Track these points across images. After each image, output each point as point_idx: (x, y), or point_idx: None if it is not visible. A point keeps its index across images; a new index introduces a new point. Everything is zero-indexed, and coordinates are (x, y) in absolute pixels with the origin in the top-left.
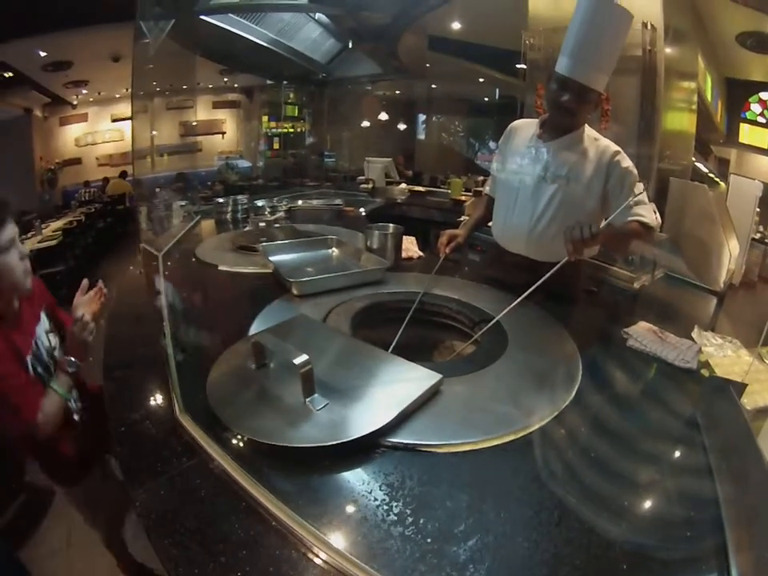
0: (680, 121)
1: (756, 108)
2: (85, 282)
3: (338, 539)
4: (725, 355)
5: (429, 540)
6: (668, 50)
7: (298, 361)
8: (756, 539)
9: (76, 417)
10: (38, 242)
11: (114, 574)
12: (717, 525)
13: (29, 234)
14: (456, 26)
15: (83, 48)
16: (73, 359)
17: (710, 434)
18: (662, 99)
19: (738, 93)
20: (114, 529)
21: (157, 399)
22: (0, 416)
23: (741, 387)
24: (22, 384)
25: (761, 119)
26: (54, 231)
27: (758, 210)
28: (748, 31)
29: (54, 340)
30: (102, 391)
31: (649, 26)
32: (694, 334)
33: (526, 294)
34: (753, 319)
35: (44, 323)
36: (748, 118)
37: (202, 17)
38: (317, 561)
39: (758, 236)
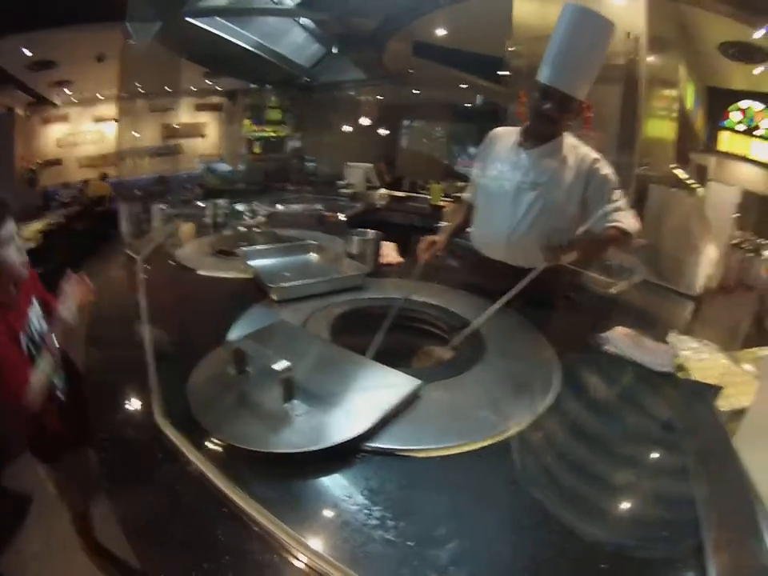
0: (661, 128)
1: (736, 116)
2: (69, 272)
3: (321, 543)
4: (701, 359)
5: (410, 543)
6: (650, 59)
7: (278, 367)
8: (732, 539)
9: (60, 395)
10: None
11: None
12: (694, 525)
13: None
14: (441, 32)
15: (68, 48)
16: (57, 344)
17: (687, 436)
18: (644, 107)
19: (718, 101)
20: (85, 509)
21: (137, 404)
22: None
23: (717, 390)
24: (14, 360)
25: (740, 127)
26: (33, 233)
27: (737, 215)
28: (730, 41)
29: (44, 324)
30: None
31: (632, 36)
32: (671, 338)
33: (502, 300)
34: (729, 323)
35: (36, 308)
36: (727, 126)
37: (188, 19)
38: (300, 565)
39: (735, 241)
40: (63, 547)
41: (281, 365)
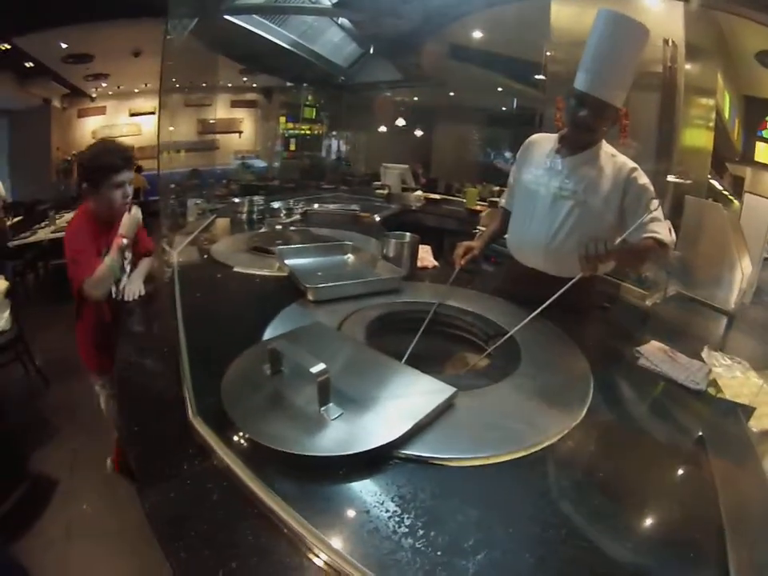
0: (698, 137)
1: None
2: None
3: (349, 548)
4: (733, 376)
5: (439, 553)
6: (688, 67)
7: (315, 370)
8: (758, 562)
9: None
10: (51, 233)
11: (111, 564)
12: (720, 547)
13: (42, 224)
14: (478, 35)
15: (104, 42)
16: (125, 240)
17: (717, 456)
18: (681, 115)
19: (755, 111)
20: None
21: (170, 400)
22: (70, 272)
23: (749, 410)
24: (88, 256)
25: None
26: (67, 222)
27: None
28: (767, 50)
29: (129, 254)
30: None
31: (670, 43)
32: (704, 354)
33: (539, 309)
34: (763, 340)
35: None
36: (764, 136)
37: (226, 16)
38: (328, 570)
39: None
40: (85, 533)
41: (317, 368)
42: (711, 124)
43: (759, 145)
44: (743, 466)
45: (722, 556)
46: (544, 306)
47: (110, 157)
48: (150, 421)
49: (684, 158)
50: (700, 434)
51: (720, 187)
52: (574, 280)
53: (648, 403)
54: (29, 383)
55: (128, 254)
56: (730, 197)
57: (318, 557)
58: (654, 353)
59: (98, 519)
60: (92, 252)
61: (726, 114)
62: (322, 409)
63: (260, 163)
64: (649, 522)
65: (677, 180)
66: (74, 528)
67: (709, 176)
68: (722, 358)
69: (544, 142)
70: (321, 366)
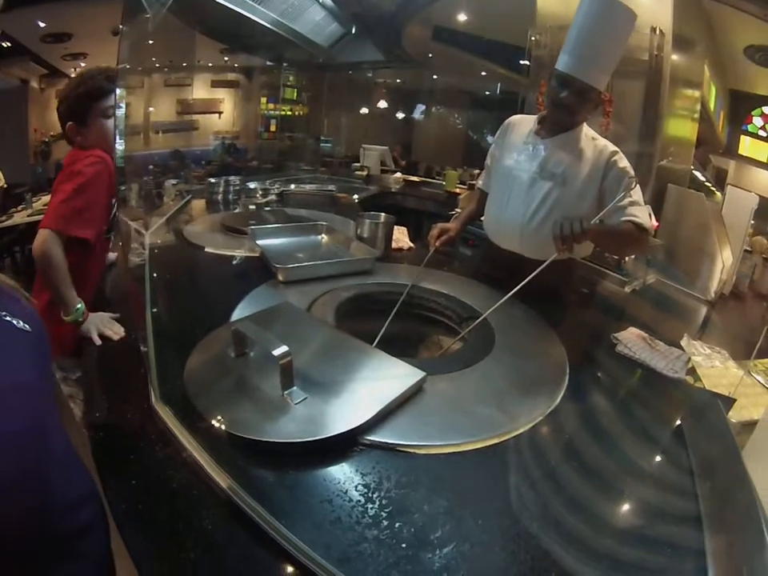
0: (682, 128)
1: (758, 121)
2: None
3: (310, 539)
4: (713, 366)
5: (404, 545)
6: (675, 57)
7: (277, 352)
8: (737, 556)
9: None
10: (28, 216)
11: None
12: (698, 539)
13: (19, 208)
14: (462, 17)
15: (83, 20)
16: None
17: (696, 448)
18: (666, 105)
19: (741, 105)
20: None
21: (133, 385)
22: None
23: (729, 401)
24: (93, 213)
25: (762, 133)
26: (44, 205)
27: (752, 222)
28: (756, 45)
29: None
30: None
31: (657, 31)
32: (683, 343)
33: (513, 291)
34: (742, 330)
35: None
36: (749, 130)
37: None
38: (288, 561)
39: (749, 248)
40: None
41: (279, 350)
42: (696, 115)
43: (744, 138)
44: (722, 457)
45: (700, 548)
46: (517, 288)
47: (94, 80)
48: (113, 406)
49: (668, 147)
50: (678, 423)
51: (703, 178)
52: (548, 261)
53: (625, 391)
54: None
55: None
56: (713, 188)
57: (278, 547)
58: (632, 340)
59: None
60: (103, 206)
61: (712, 106)
62: (285, 393)
63: (240, 144)
64: (625, 513)
65: (667, 164)
66: None
67: (692, 167)
68: (702, 346)
69: (523, 123)
70: (283, 349)
